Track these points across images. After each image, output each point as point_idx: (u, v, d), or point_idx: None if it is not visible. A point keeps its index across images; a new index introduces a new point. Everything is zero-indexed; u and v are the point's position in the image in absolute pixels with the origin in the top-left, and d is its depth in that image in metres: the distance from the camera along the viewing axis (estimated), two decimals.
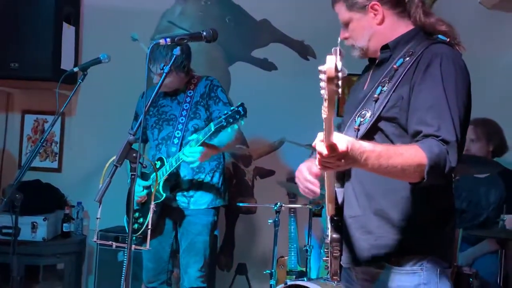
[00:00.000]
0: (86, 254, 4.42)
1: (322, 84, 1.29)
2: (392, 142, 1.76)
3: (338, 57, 1.27)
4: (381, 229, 1.78)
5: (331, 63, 1.26)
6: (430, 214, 1.78)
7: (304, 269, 3.54)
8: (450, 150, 1.63)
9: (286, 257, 3.85)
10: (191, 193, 3.24)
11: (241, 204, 3.99)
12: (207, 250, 3.28)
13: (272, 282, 3.37)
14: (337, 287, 3.03)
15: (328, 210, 1.75)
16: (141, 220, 3.23)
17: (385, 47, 1.88)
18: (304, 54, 4.34)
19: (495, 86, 3.97)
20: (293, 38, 4.36)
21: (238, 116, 2.87)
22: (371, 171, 1.60)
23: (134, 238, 3.12)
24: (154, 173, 3.16)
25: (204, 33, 2.43)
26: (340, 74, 1.26)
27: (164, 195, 3.14)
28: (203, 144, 2.96)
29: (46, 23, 4.09)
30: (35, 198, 4.04)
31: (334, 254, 1.72)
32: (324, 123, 1.37)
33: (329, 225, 1.75)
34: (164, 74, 2.31)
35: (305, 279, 3.21)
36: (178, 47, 2.32)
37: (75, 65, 4.23)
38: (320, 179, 1.84)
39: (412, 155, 1.59)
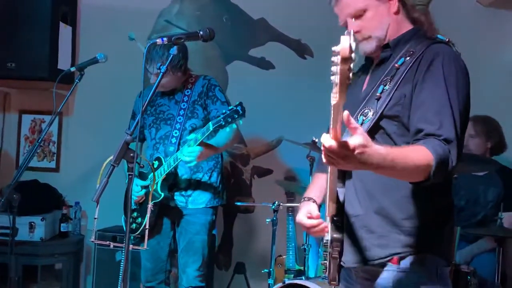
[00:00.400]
0: (84, 254, 4.42)
1: (333, 68, 1.25)
2: (393, 141, 1.77)
3: (352, 37, 1.25)
4: (383, 228, 1.79)
5: (346, 43, 1.23)
6: (431, 212, 1.78)
7: (302, 268, 3.54)
8: (451, 150, 1.65)
9: (284, 256, 3.84)
10: (189, 192, 3.23)
11: (239, 203, 3.99)
12: (205, 250, 3.27)
13: (271, 281, 3.38)
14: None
15: (329, 209, 1.73)
16: (139, 219, 3.23)
17: (385, 46, 1.88)
18: (301, 53, 4.34)
19: (492, 83, 3.97)
20: (290, 37, 4.36)
21: (236, 116, 2.86)
22: (379, 173, 1.60)
23: (132, 237, 3.11)
24: (152, 173, 3.16)
25: (201, 32, 2.42)
26: (354, 56, 1.24)
27: (162, 194, 3.13)
28: (202, 143, 2.95)
29: (43, 23, 4.08)
30: (33, 198, 4.03)
31: (334, 256, 1.71)
32: (332, 111, 1.31)
33: (329, 225, 1.75)
34: (161, 73, 2.29)
35: (303, 278, 3.20)
36: (175, 47, 2.31)
37: (72, 65, 4.22)
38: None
39: (420, 156, 1.60)
